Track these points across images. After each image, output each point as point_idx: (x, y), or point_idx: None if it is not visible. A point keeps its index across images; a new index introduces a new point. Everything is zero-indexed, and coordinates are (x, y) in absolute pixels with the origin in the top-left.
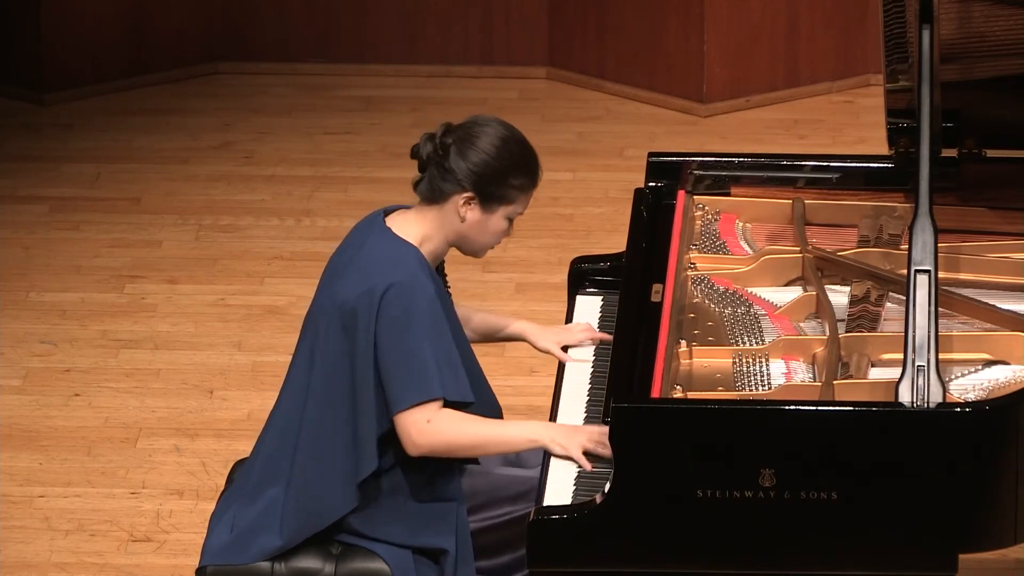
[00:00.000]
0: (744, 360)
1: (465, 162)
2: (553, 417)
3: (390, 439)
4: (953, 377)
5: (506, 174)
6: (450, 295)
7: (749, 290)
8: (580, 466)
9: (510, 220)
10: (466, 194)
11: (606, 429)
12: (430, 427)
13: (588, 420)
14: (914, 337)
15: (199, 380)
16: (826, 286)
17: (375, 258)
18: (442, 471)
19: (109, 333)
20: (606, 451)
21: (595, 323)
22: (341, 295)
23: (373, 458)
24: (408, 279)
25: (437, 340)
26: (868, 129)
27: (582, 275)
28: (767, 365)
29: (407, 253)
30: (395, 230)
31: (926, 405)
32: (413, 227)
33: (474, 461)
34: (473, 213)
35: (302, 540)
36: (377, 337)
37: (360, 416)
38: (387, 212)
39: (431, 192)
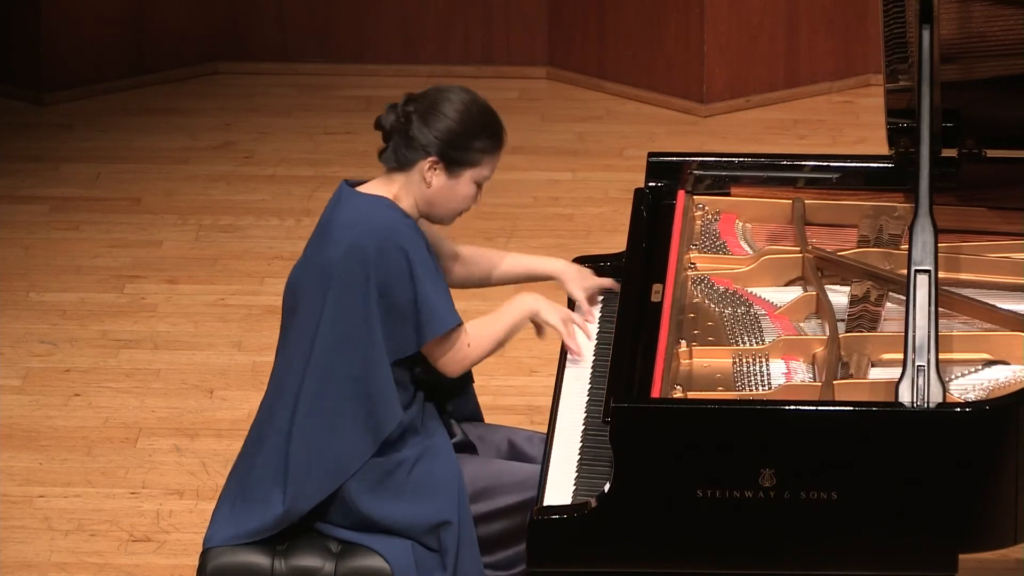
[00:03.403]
0: (744, 360)
1: (429, 128)
2: (553, 418)
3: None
4: (953, 377)
5: (469, 138)
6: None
7: (749, 290)
8: (567, 340)
9: (478, 185)
10: (430, 159)
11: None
12: (471, 350)
13: (588, 420)
14: (914, 337)
15: (199, 380)
16: (826, 286)
17: (352, 217)
18: (437, 443)
19: (109, 333)
20: (584, 330)
21: (595, 323)
22: (325, 257)
23: (398, 410)
24: (391, 226)
25: (435, 276)
26: (868, 129)
27: None
28: (767, 365)
29: (381, 204)
30: (363, 191)
31: (926, 405)
32: (382, 191)
33: (473, 450)
34: (439, 178)
35: (312, 504)
36: (382, 289)
37: (377, 371)
38: (353, 185)
39: (396, 160)
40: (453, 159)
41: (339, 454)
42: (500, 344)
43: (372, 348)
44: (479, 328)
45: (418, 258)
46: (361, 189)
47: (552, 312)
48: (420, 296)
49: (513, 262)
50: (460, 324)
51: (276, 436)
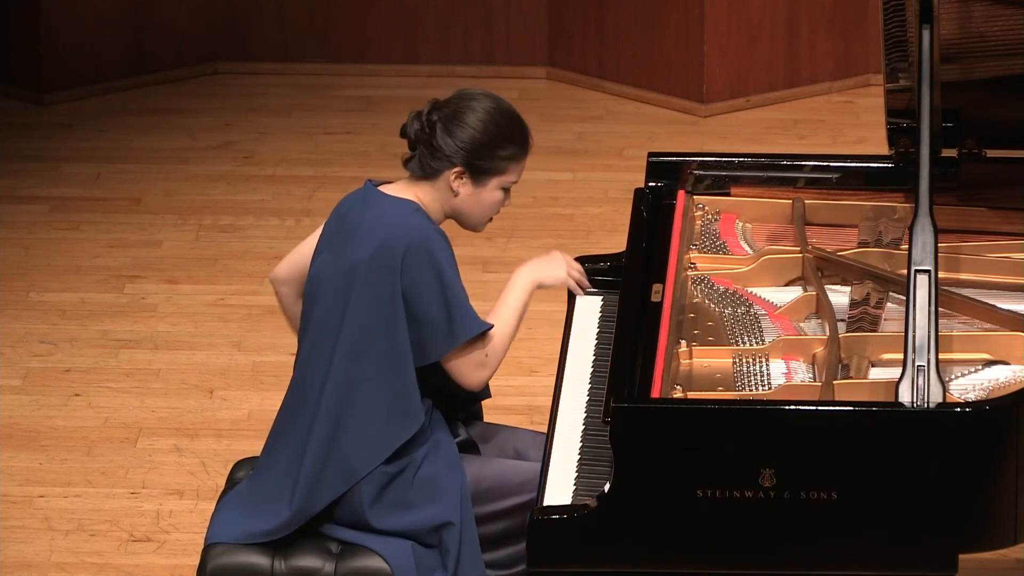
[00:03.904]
0: (744, 360)
1: (452, 139)
2: (553, 418)
3: None
4: (953, 377)
5: (494, 147)
6: None
7: (749, 290)
8: (576, 291)
9: (505, 190)
10: (456, 169)
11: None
12: (489, 358)
13: (588, 420)
14: (914, 337)
15: (199, 380)
16: (826, 286)
17: (382, 218)
18: (442, 444)
19: (109, 333)
20: (584, 280)
21: (595, 323)
22: (350, 258)
23: (420, 413)
24: (420, 230)
25: (459, 281)
26: (868, 129)
27: None
28: (767, 365)
29: (408, 208)
30: (389, 194)
31: (926, 405)
32: (408, 195)
33: (476, 449)
34: (465, 187)
35: (324, 505)
36: (409, 293)
37: (402, 375)
38: (376, 184)
39: (422, 170)
40: (479, 168)
41: (353, 455)
42: (513, 336)
43: (398, 350)
44: (498, 334)
45: (446, 264)
46: (386, 190)
47: (554, 272)
48: (450, 300)
49: None
50: (489, 329)
51: (296, 441)
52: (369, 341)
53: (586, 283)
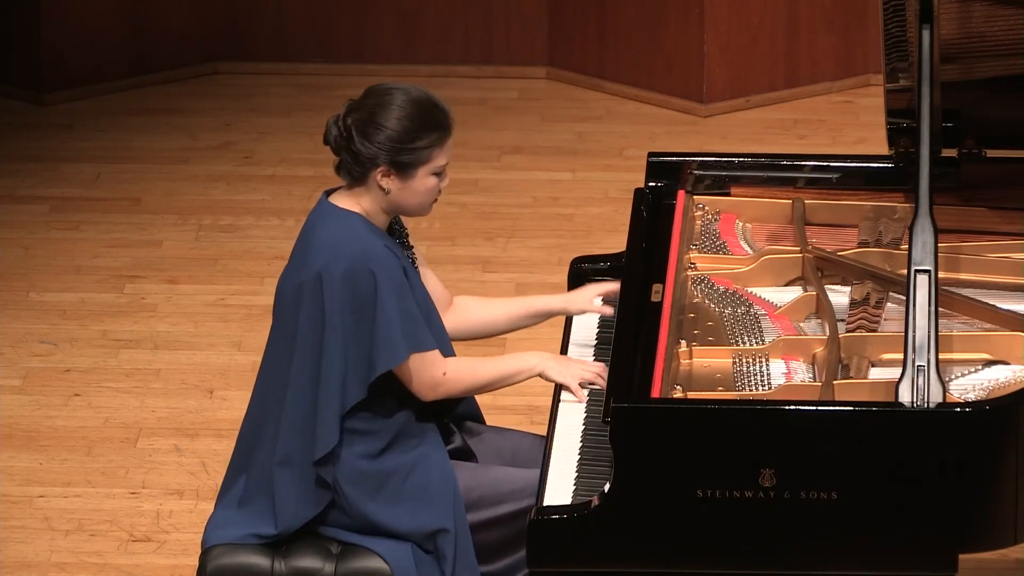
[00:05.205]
0: (744, 360)
1: (370, 142)
2: (553, 418)
3: (373, 423)
4: (953, 377)
5: (412, 140)
6: (412, 251)
7: (749, 290)
8: (575, 395)
9: (437, 174)
10: (381, 169)
11: (603, 365)
12: (447, 379)
13: (588, 420)
14: (914, 337)
15: (199, 380)
16: (826, 286)
17: (326, 237)
18: (430, 450)
19: (109, 333)
20: (602, 381)
21: (595, 323)
22: (301, 277)
23: (334, 434)
24: (362, 251)
25: (401, 299)
26: (868, 129)
27: (582, 275)
28: (767, 365)
29: (354, 222)
30: (338, 205)
31: (926, 405)
32: (352, 203)
33: (471, 457)
34: (394, 183)
35: (307, 519)
36: (354, 313)
37: (321, 393)
38: (330, 192)
39: (351, 176)
40: (402, 163)
41: (320, 473)
42: (485, 387)
43: (324, 373)
44: (465, 363)
45: (385, 283)
46: (335, 201)
47: (560, 372)
48: (379, 322)
49: (513, 306)
50: (425, 351)
51: (265, 453)
52: (314, 361)
53: (599, 383)
